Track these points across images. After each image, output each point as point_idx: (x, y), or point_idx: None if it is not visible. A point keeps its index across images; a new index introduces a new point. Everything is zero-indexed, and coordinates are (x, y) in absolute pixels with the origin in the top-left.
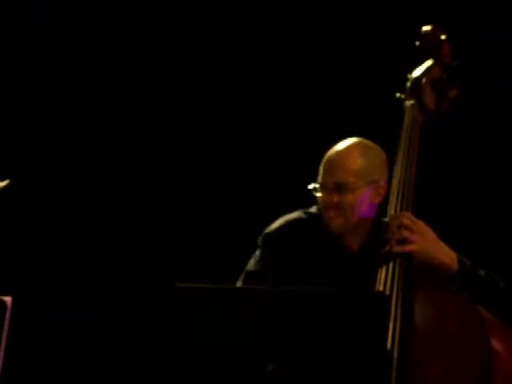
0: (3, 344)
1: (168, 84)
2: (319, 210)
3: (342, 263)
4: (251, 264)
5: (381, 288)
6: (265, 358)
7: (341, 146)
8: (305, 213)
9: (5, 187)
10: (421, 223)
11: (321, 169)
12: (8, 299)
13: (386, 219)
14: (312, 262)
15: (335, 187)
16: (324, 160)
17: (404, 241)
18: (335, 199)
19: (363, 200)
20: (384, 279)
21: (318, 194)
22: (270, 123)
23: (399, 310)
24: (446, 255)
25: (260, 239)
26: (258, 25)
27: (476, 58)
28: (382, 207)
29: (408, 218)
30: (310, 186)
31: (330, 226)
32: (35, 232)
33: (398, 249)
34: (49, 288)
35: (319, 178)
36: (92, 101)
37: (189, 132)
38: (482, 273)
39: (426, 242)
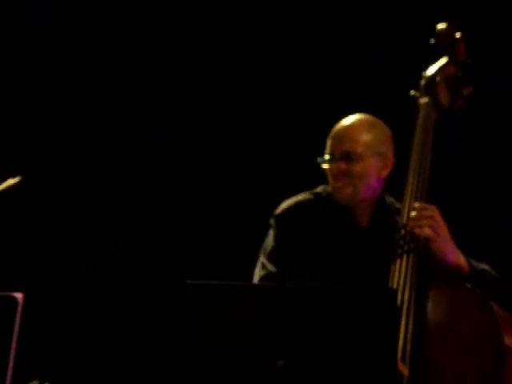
0: (14, 340)
1: (168, 84)
2: (325, 190)
3: (353, 238)
4: (268, 244)
5: (394, 285)
6: (272, 355)
7: (348, 119)
8: (311, 193)
9: (16, 184)
10: (443, 222)
11: (328, 141)
12: (19, 296)
13: (391, 199)
14: (325, 239)
15: (343, 156)
16: (331, 132)
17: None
18: (344, 167)
19: (371, 170)
20: (398, 276)
21: (326, 165)
22: (277, 123)
23: (412, 306)
24: (460, 258)
25: (271, 220)
26: (259, 24)
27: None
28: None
29: (436, 212)
30: (318, 160)
31: (338, 197)
32: (37, 231)
33: (426, 232)
34: (50, 287)
35: (327, 150)
36: (92, 101)
37: (189, 132)
38: (491, 273)
39: (446, 240)
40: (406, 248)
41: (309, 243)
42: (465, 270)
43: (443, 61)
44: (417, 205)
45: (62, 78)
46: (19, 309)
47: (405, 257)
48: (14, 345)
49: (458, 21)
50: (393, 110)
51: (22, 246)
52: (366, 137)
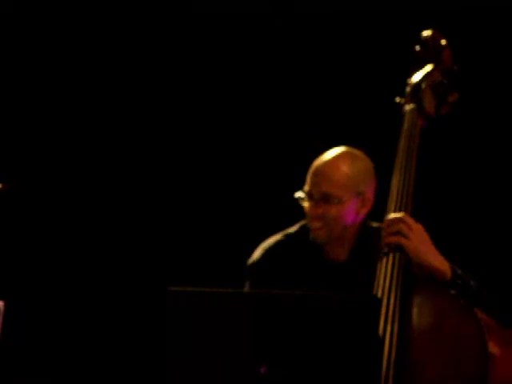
0: None
1: (168, 84)
2: (300, 227)
3: (328, 276)
4: None
5: (379, 291)
6: (258, 362)
7: (328, 155)
8: (284, 235)
9: (4, 188)
10: (419, 226)
11: (308, 178)
12: (0, 303)
13: (376, 224)
14: (299, 281)
15: (321, 197)
16: (311, 169)
17: (397, 233)
18: (320, 210)
19: (349, 212)
20: (382, 282)
21: (305, 204)
22: (267, 128)
23: (397, 313)
24: (439, 261)
25: (246, 271)
26: (257, 27)
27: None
28: (372, 213)
29: (405, 216)
30: (297, 195)
31: (313, 237)
32: (20, 237)
33: (390, 239)
34: (44, 290)
35: (306, 187)
36: (92, 100)
37: (189, 132)
38: (473, 283)
39: (420, 242)
40: (385, 252)
41: (285, 287)
42: (446, 274)
43: (429, 68)
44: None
45: (62, 77)
46: (0, 316)
47: (389, 260)
48: None
49: (444, 28)
50: (378, 117)
51: (3, 253)
52: (345, 178)
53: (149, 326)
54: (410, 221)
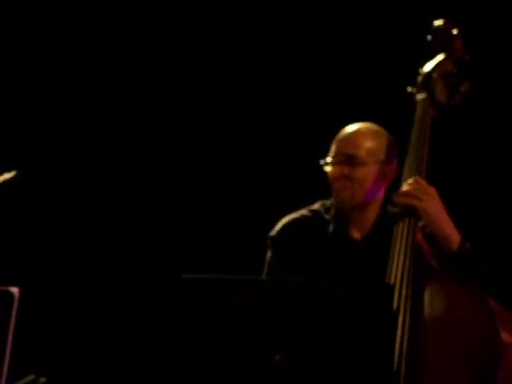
0: (11, 334)
1: (168, 84)
2: (321, 205)
3: (347, 252)
4: (265, 268)
5: (391, 279)
6: (270, 349)
7: (354, 125)
8: (309, 210)
9: (12, 178)
10: (432, 188)
11: (332, 145)
12: (15, 290)
13: (396, 209)
14: (318, 255)
15: (346, 159)
16: (336, 137)
17: (412, 195)
18: (345, 171)
19: (370, 177)
20: (395, 270)
21: (328, 168)
22: (277, 118)
23: (409, 301)
24: (450, 227)
25: (268, 241)
26: (257, 27)
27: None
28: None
29: (418, 178)
30: (321, 162)
31: (336, 198)
32: (33, 225)
33: (405, 200)
34: (46, 281)
35: (330, 153)
36: (92, 100)
37: (189, 132)
38: (478, 261)
39: (432, 204)
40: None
41: (304, 261)
42: (454, 242)
43: (440, 57)
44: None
45: (62, 77)
46: (15, 303)
47: (401, 253)
48: (10, 339)
49: (455, 17)
50: (390, 107)
51: (18, 240)
52: (369, 143)
53: (158, 315)
54: (425, 184)
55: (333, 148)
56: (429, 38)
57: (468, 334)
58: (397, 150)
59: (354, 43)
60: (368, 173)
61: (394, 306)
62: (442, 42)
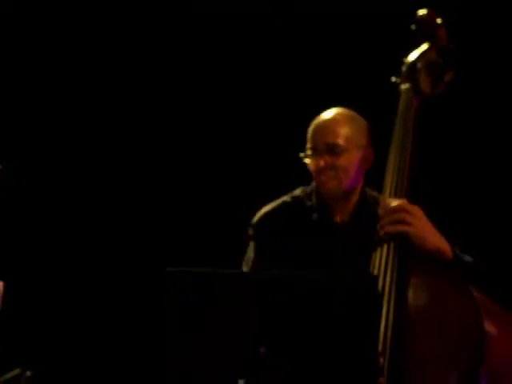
0: None
1: (168, 84)
2: (302, 191)
3: (333, 235)
4: (249, 254)
5: (375, 271)
6: (259, 343)
7: (327, 113)
8: (290, 197)
9: (4, 169)
10: (417, 208)
11: (309, 134)
12: (0, 284)
13: (374, 192)
14: (303, 241)
15: (327, 149)
16: (312, 126)
17: (399, 222)
18: (329, 161)
19: (354, 163)
20: (378, 262)
21: (309, 160)
22: (277, 117)
23: (393, 293)
24: (441, 242)
25: (249, 230)
26: (257, 27)
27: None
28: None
29: (405, 203)
30: (301, 154)
31: (323, 190)
32: (21, 218)
33: (392, 229)
34: (31, 276)
35: (309, 143)
36: (92, 100)
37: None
38: (471, 261)
39: (423, 227)
40: (384, 240)
41: (287, 247)
42: (447, 255)
43: (424, 47)
44: (386, 201)
45: (61, 77)
46: (0, 297)
47: (384, 245)
48: None
49: (439, 6)
50: (373, 97)
51: (4, 234)
52: (347, 130)
53: (149, 309)
54: (411, 207)
55: (310, 138)
56: (413, 27)
57: (452, 325)
58: (370, 131)
59: (337, 33)
60: (351, 159)
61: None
62: (425, 31)
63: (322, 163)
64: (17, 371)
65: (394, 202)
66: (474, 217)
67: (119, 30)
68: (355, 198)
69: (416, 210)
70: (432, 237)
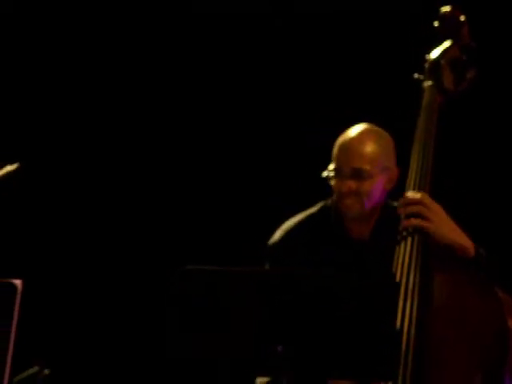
0: (14, 326)
1: (168, 83)
2: (321, 207)
3: (352, 253)
4: None
5: (398, 269)
6: (273, 340)
7: (353, 132)
8: (305, 216)
9: (14, 170)
10: (437, 205)
11: (334, 155)
12: (18, 282)
13: (395, 203)
14: (320, 260)
15: (353, 173)
16: (338, 145)
17: (416, 216)
18: (353, 186)
19: (378, 187)
20: (401, 260)
21: (333, 182)
22: (277, 117)
23: (416, 290)
24: (462, 239)
25: (265, 252)
26: (257, 27)
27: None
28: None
29: (424, 196)
30: (324, 174)
31: (346, 213)
32: (35, 217)
33: (409, 223)
34: (49, 273)
35: (334, 164)
36: (92, 100)
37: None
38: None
39: (442, 222)
40: (405, 235)
41: (305, 264)
42: (470, 251)
43: (447, 44)
44: (405, 194)
45: (62, 77)
46: (18, 295)
47: (408, 241)
48: (13, 331)
49: (462, 4)
50: (397, 95)
51: (20, 233)
52: (373, 153)
53: (160, 306)
54: (429, 201)
55: (335, 158)
56: (436, 24)
57: (476, 323)
58: (395, 149)
59: (358, 30)
60: (376, 184)
61: (401, 295)
62: (449, 28)
63: (345, 188)
64: (35, 369)
65: (413, 195)
66: (496, 214)
67: (119, 30)
68: (377, 214)
69: (434, 205)
70: (451, 232)
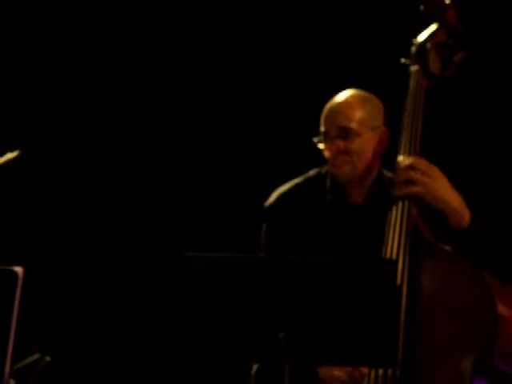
0: (15, 314)
1: (168, 83)
2: (317, 172)
3: (347, 218)
4: (264, 238)
5: (388, 254)
6: (276, 326)
7: (341, 95)
8: (303, 178)
9: (15, 157)
10: (432, 166)
11: (322, 119)
12: (19, 269)
13: (391, 173)
14: (318, 222)
15: (339, 133)
16: (325, 110)
17: (411, 182)
18: (342, 145)
19: (368, 146)
20: (391, 245)
21: (322, 145)
22: (277, 117)
23: (405, 276)
24: (457, 201)
25: (262, 215)
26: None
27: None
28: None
29: (415, 159)
30: (315, 139)
31: (337, 175)
32: (36, 204)
33: (403, 191)
34: (50, 261)
35: (322, 127)
36: (92, 100)
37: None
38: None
39: (436, 184)
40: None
41: (303, 230)
42: (464, 219)
43: (433, 28)
44: (399, 158)
45: (62, 76)
46: (19, 282)
47: (395, 206)
48: (14, 318)
49: None
50: (383, 79)
51: (21, 220)
52: (360, 112)
53: (161, 293)
54: (425, 165)
55: (322, 122)
56: (421, 7)
57: (465, 309)
58: (384, 113)
59: (345, 15)
60: (365, 143)
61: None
62: (434, 11)
63: (334, 149)
64: (36, 356)
65: (407, 160)
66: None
67: (119, 30)
68: (371, 179)
69: (431, 169)
70: (445, 195)
